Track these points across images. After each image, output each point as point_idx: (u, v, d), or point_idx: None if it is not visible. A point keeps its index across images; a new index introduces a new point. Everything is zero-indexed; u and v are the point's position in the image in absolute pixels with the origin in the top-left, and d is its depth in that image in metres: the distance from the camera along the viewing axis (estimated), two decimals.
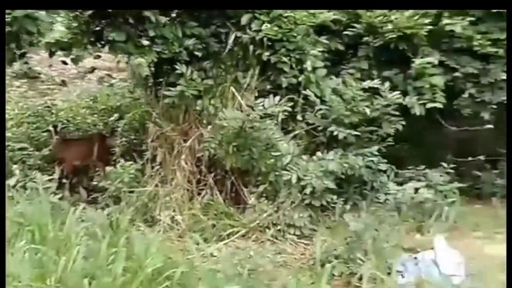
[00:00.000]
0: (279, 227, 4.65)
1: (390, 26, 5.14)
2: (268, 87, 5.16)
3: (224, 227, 4.63)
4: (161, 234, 4.61)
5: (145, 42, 4.91)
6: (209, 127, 5.05)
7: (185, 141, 5.20)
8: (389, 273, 3.80)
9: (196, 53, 5.06)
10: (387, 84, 5.06)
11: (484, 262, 4.07)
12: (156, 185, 5.14)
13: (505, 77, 5.10)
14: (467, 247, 4.42)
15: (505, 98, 5.13)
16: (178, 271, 3.40)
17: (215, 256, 4.16)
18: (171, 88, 5.00)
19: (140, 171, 5.30)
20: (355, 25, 5.45)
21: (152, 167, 5.30)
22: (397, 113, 5.11)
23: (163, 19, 4.83)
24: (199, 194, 5.08)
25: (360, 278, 3.73)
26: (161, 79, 5.32)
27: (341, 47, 5.55)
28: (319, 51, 5.08)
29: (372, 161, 5.06)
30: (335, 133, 4.98)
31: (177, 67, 4.94)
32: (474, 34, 5.06)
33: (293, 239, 4.61)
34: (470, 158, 5.80)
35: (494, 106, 5.32)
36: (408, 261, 4.03)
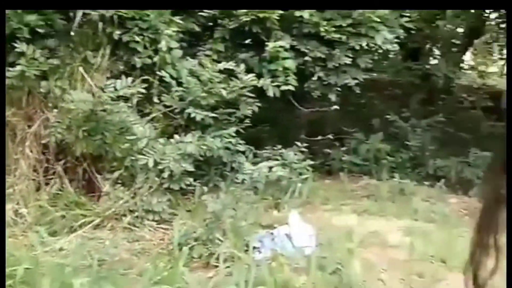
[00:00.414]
0: (136, 214, 4.49)
1: (244, 9, 5.21)
2: (121, 67, 4.91)
3: (76, 217, 4.33)
4: None
5: None
6: (55, 110, 4.66)
7: (29, 126, 4.73)
8: (246, 251, 3.89)
9: (39, 30, 4.60)
10: (242, 66, 5.14)
11: (332, 232, 4.38)
12: None
13: (348, 62, 5.50)
14: (318, 220, 4.72)
15: (347, 81, 5.56)
16: (21, 268, 3.10)
17: (64, 249, 3.88)
18: (10, 69, 4.49)
19: None
20: None
21: None
22: (252, 95, 5.22)
23: None
24: (47, 184, 4.67)
25: (219, 258, 3.77)
26: None
27: (197, 28, 5.50)
28: (174, 31, 4.96)
29: (230, 142, 5.12)
30: (192, 115, 4.93)
31: (16, 45, 4.46)
32: (320, 20, 5.36)
33: (151, 225, 4.49)
34: (320, 137, 6.20)
35: (339, 89, 5.73)
36: (265, 237, 4.18)
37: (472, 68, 9.21)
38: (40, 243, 3.77)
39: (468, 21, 10.18)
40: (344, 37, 5.43)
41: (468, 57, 13.67)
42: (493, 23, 12.41)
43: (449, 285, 3.61)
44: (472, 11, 9.32)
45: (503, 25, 12.45)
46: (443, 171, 6.38)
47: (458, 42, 10.68)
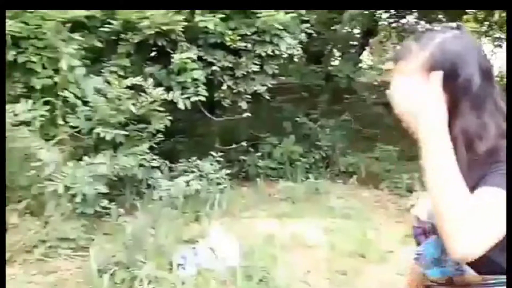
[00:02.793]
0: (49, 244, 4.22)
1: (146, 23, 5.10)
2: (19, 90, 4.60)
3: None
4: None
5: None
6: None
7: None
8: (171, 269, 3.82)
9: None
10: (150, 80, 5.04)
11: (254, 239, 4.42)
12: None
13: (255, 69, 5.60)
14: (239, 229, 4.75)
15: (256, 87, 5.66)
16: None
17: None
18: None
19: None
20: (112, 21, 5.25)
21: None
22: (162, 109, 5.13)
23: None
24: None
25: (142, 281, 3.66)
26: None
27: (99, 44, 5.30)
28: (75, 49, 4.74)
29: (144, 159, 5.00)
30: (102, 134, 4.73)
31: None
32: (225, 30, 5.41)
33: (67, 254, 4.23)
34: (234, 145, 6.24)
35: (249, 96, 5.81)
36: (187, 253, 4.12)
37: (370, 67, 9.78)
38: None
39: (362, 22, 10.81)
40: (249, 45, 5.52)
41: (365, 56, 14.54)
42: (385, 23, 13.29)
43: (369, 277, 3.80)
44: (366, 12, 9.90)
45: (394, 24, 13.39)
46: (354, 167, 6.71)
47: (355, 43, 11.31)
